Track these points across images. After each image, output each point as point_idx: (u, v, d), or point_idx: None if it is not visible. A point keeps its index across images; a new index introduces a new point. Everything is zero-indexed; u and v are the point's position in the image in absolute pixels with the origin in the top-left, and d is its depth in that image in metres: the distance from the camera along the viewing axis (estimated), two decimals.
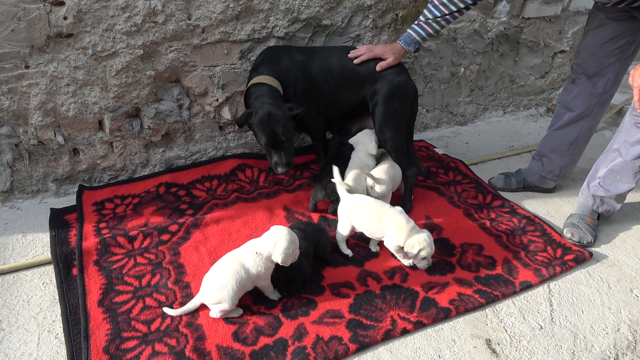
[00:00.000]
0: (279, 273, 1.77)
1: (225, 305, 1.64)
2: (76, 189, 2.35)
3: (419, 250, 1.85)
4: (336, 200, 2.13)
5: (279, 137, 2.05)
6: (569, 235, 2.16)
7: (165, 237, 2.05)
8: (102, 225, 2.13)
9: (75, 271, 1.87)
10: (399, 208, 1.97)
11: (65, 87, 2.15)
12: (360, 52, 2.23)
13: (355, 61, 2.22)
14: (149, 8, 2.14)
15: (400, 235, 1.88)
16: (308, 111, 2.17)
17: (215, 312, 1.67)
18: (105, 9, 2.07)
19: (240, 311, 1.71)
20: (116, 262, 1.92)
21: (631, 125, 2.06)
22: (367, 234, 1.98)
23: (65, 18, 2.01)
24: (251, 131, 2.17)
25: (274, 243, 1.67)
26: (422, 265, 1.93)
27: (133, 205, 2.28)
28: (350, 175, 2.18)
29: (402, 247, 1.89)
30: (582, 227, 2.17)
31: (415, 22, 2.22)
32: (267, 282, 1.74)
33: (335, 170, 2.10)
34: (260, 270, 1.68)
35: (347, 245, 2.04)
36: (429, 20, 2.18)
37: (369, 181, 2.16)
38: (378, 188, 2.14)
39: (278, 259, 1.66)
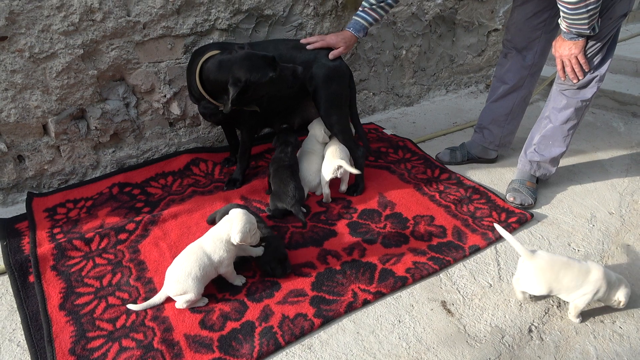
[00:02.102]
0: (268, 256, 1.84)
1: (191, 295, 1.67)
2: (25, 197, 2.29)
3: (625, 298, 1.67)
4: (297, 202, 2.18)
5: (268, 57, 2.01)
6: (511, 199, 2.31)
7: (123, 236, 2.04)
8: (56, 230, 2.10)
9: (32, 278, 1.83)
10: (598, 264, 1.71)
11: (3, 92, 2.08)
12: (313, 40, 2.28)
13: (308, 47, 2.26)
14: (85, 6, 2.10)
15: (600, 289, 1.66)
16: (246, 103, 2.15)
17: (181, 303, 1.69)
18: (40, 9, 2.02)
19: (206, 300, 1.74)
20: (74, 266, 1.90)
21: (557, 93, 2.22)
22: (562, 294, 1.72)
23: None
24: (245, 99, 2.04)
25: (230, 225, 1.72)
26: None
27: (87, 208, 2.24)
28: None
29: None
30: (523, 190, 2.33)
31: (360, 9, 2.29)
32: (230, 269, 1.78)
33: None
34: (222, 255, 1.71)
35: (306, 227, 2.11)
36: (373, 6, 2.25)
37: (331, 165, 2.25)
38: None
39: (236, 238, 1.69)
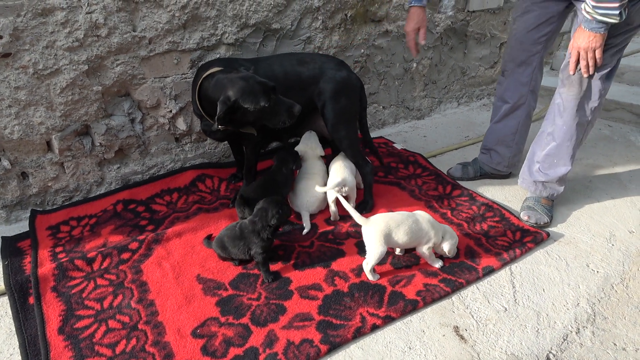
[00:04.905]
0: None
1: (379, 249, 1.82)
2: (28, 215, 2.26)
3: None
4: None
5: (267, 85, 1.92)
6: (525, 218, 2.23)
7: (125, 255, 2.00)
8: (59, 249, 2.06)
9: (32, 300, 1.79)
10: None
11: (7, 108, 2.06)
12: (411, 38, 2.23)
13: (413, 52, 2.25)
14: (90, 22, 2.08)
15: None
16: (237, 125, 2.05)
17: (371, 256, 1.84)
18: (44, 25, 2.00)
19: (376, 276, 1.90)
20: (75, 287, 1.86)
21: (558, 109, 2.15)
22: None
23: (0, 37, 1.93)
24: (235, 121, 1.96)
25: (444, 232, 1.93)
26: None
27: (90, 226, 2.20)
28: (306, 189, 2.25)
29: None
30: (538, 209, 2.24)
31: None
32: (429, 252, 1.92)
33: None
34: (426, 238, 1.89)
35: (313, 246, 2.04)
36: None
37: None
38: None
39: (446, 247, 1.92)
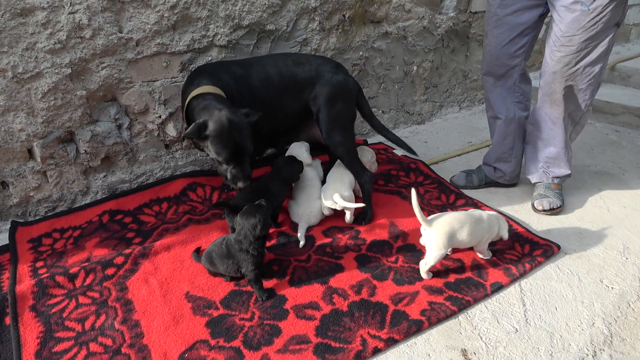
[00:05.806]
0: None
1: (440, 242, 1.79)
2: (8, 226, 2.13)
3: None
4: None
5: (241, 148, 1.82)
6: (540, 207, 2.23)
7: (110, 271, 1.87)
8: (39, 264, 1.93)
9: (8, 320, 1.67)
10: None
11: None
12: None
13: None
14: (73, 22, 1.96)
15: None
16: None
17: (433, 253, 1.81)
18: (24, 26, 1.88)
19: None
20: (55, 305, 1.73)
21: (549, 119, 2.14)
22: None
23: None
24: (199, 146, 1.93)
25: (499, 221, 1.93)
26: None
27: (74, 239, 2.08)
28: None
29: None
30: (550, 194, 2.25)
31: None
32: (485, 247, 1.92)
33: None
34: (488, 231, 1.88)
35: (310, 260, 1.92)
36: None
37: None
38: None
39: (505, 235, 1.92)
